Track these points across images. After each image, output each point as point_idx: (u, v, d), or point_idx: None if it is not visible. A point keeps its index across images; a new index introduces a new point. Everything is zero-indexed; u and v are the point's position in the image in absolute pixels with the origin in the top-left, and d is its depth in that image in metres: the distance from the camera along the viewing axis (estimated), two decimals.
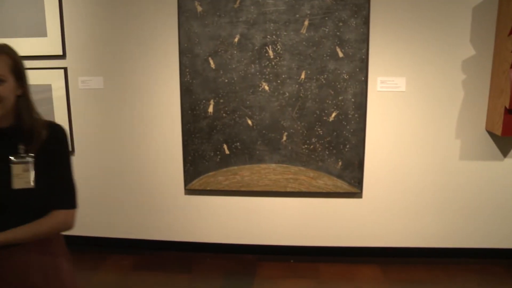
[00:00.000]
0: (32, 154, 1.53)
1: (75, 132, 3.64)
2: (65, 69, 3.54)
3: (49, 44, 3.52)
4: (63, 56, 3.53)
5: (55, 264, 1.67)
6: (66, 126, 3.58)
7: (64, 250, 1.74)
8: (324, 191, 3.39)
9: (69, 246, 3.90)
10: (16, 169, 1.50)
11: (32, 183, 1.52)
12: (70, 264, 1.74)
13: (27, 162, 1.53)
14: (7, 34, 3.55)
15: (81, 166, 3.69)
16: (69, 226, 1.66)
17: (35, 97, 3.75)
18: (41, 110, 3.61)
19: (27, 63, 3.63)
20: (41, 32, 3.50)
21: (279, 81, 3.28)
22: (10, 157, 1.49)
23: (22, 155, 1.51)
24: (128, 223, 3.75)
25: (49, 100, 3.58)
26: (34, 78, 3.59)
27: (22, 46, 3.54)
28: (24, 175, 1.52)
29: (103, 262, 3.60)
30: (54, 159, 1.58)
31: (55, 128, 1.61)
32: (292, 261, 3.52)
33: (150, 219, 3.70)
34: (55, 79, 3.55)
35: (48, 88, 3.57)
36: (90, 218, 3.79)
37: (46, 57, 3.54)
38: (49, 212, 1.60)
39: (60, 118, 3.60)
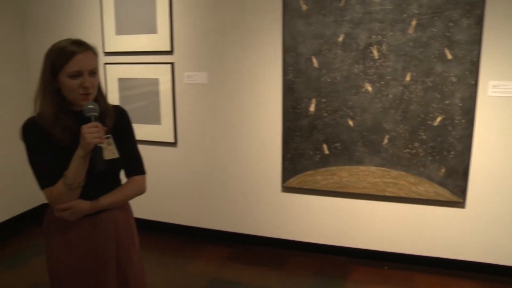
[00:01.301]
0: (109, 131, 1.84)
1: (179, 124, 3.87)
2: (172, 64, 3.77)
3: (159, 40, 3.76)
4: (170, 52, 3.77)
5: (130, 220, 2.03)
6: (170, 119, 3.82)
7: (131, 211, 2.07)
8: (424, 198, 3.32)
9: (168, 233, 4.16)
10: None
11: (117, 154, 1.82)
12: (135, 223, 2.09)
13: (109, 137, 1.81)
14: (124, 31, 3.86)
15: (182, 157, 3.92)
16: (144, 190, 1.99)
17: (144, 89, 4.08)
18: (148, 102, 3.91)
19: (139, 58, 3.94)
20: (152, 29, 3.76)
21: (383, 82, 3.25)
22: None
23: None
24: (225, 216, 3.92)
25: (156, 93, 3.83)
26: (143, 72, 3.90)
27: (136, 42, 3.84)
28: (110, 148, 1.80)
29: (200, 251, 3.79)
30: (125, 134, 1.92)
31: (121, 110, 1.96)
32: (386, 267, 3.48)
33: (246, 213, 3.84)
34: (162, 74, 3.79)
35: (155, 82, 3.82)
36: (190, 209, 4.02)
37: (155, 53, 3.80)
38: (119, 179, 1.95)
39: (165, 110, 3.84)
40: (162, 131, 3.89)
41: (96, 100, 1.81)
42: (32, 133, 1.73)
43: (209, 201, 3.95)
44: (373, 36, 3.23)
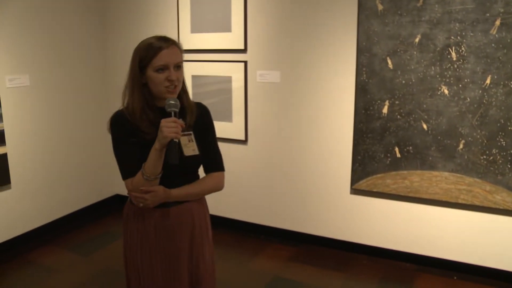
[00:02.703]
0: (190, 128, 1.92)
1: (250, 123, 3.97)
2: (245, 62, 3.87)
3: (233, 39, 3.88)
4: (244, 50, 3.87)
5: (205, 216, 2.09)
6: (242, 116, 3.93)
7: (207, 207, 2.13)
8: (501, 207, 3.19)
9: (234, 229, 4.25)
10: (183, 140, 1.83)
11: (197, 151, 1.86)
12: (210, 219, 2.16)
13: (190, 134, 1.86)
14: (199, 29, 4.02)
15: (252, 155, 4.01)
16: (222, 186, 2.03)
17: (216, 87, 4.21)
18: (220, 99, 4.03)
19: (213, 56, 4.06)
20: (227, 27, 3.88)
21: (460, 85, 3.16)
22: None
23: (184, 128, 1.82)
24: (291, 215, 3.98)
25: (228, 91, 3.94)
26: (217, 70, 4.02)
27: (210, 40, 3.97)
28: (190, 145, 1.85)
29: (263, 249, 3.87)
30: (205, 131, 1.99)
31: (202, 107, 2.03)
32: (455, 278, 3.38)
33: (313, 213, 3.87)
34: (235, 72, 3.90)
35: (228, 80, 3.93)
36: (256, 206, 4.12)
37: (229, 51, 3.92)
38: (197, 175, 2.01)
39: (237, 108, 3.95)
40: (233, 128, 3.99)
41: (179, 96, 1.89)
42: (119, 125, 1.85)
43: (275, 200, 4.01)
44: (452, 37, 3.14)
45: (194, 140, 1.87)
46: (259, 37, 3.81)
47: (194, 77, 4.08)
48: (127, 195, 1.93)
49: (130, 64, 1.85)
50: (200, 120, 1.95)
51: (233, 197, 4.17)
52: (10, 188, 3.81)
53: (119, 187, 4.81)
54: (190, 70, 4.07)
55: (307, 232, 3.93)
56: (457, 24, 3.12)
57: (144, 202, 1.83)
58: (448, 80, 3.20)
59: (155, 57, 1.78)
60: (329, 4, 3.51)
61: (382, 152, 3.48)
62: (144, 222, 1.93)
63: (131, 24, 4.42)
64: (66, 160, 4.33)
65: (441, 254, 3.48)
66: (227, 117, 3.99)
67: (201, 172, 2.02)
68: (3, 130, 3.69)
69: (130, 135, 1.82)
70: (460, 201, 3.30)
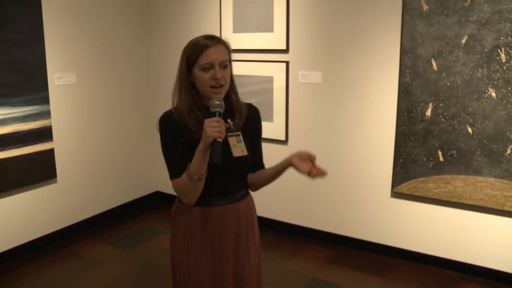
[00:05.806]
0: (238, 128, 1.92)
1: (291, 123, 4.02)
2: (287, 63, 3.94)
3: (275, 39, 3.96)
4: (286, 51, 3.93)
5: (253, 219, 2.14)
6: (282, 117, 4.00)
7: (255, 210, 2.20)
8: None
9: (272, 230, 4.31)
10: (231, 141, 1.85)
11: (246, 152, 1.86)
12: (257, 222, 2.20)
13: (238, 135, 1.86)
14: (241, 29, 4.12)
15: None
16: None
17: (258, 87, 4.28)
18: (262, 99, 4.10)
19: (255, 56, 4.13)
20: (269, 28, 3.96)
21: (509, 88, 3.12)
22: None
23: (233, 129, 1.86)
24: (329, 217, 4.02)
25: (270, 91, 4.03)
26: (259, 69, 4.10)
27: (252, 40, 4.06)
28: (239, 145, 1.84)
29: (302, 250, 3.93)
30: (256, 132, 2.05)
31: (254, 108, 2.08)
32: None
33: (352, 215, 3.90)
34: (277, 72, 3.98)
35: (270, 80, 4.02)
36: (296, 207, 4.18)
37: (271, 51, 4.00)
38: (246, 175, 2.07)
39: (278, 108, 4.03)
40: (273, 128, 4.07)
41: (228, 96, 1.91)
42: (167, 125, 1.89)
43: (314, 201, 4.06)
44: (502, 38, 3.10)
45: (242, 140, 1.85)
46: (301, 37, 3.86)
47: (236, 77, 4.15)
48: (175, 194, 1.95)
49: (179, 64, 1.88)
50: (250, 122, 1.98)
51: (272, 198, 4.23)
52: (56, 182, 4.02)
53: (160, 184, 4.97)
54: (232, 70, 4.16)
55: (346, 235, 3.95)
56: (508, 24, 3.07)
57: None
58: (496, 82, 3.15)
59: (200, 56, 1.79)
60: (373, 4, 3.53)
61: (425, 156, 3.46)
62: (191, 223, 1.94)
63: (174, 24, 4.56)
64: (110, 156, 4.53)
65: (486, 262, 3.43)
66: (268, 117, 4.06)
67: None
68: (51, 126, 3.91)
69: (178, 135, 1.86)
70: (506, 208, 3.25)
